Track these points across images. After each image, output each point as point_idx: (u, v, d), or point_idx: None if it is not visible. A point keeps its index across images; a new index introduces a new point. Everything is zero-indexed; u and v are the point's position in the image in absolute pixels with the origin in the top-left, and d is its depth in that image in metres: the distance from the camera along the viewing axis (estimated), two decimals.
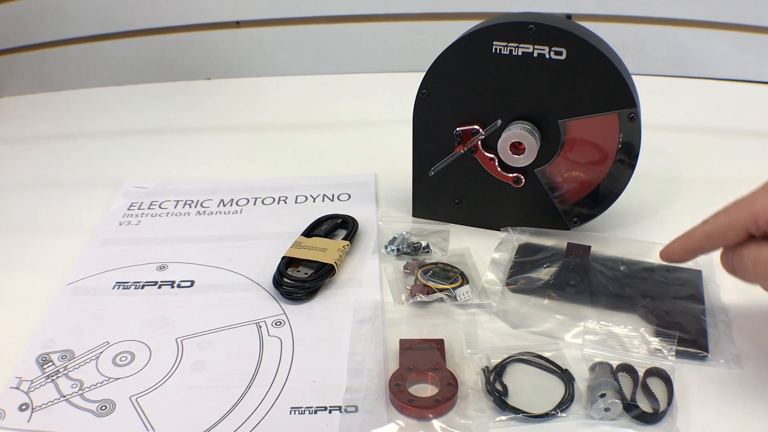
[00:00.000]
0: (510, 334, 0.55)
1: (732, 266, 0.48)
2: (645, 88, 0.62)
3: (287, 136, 0.90)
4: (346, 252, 0.64)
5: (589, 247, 0.61)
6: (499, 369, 0.51)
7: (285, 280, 0.60)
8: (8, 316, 0.60)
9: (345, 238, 0.65)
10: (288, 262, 0.62)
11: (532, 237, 0.65)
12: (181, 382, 0.52)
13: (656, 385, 0.49)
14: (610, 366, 0.50)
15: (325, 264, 0.61)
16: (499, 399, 0.48)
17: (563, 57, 0.57)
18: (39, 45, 1.08)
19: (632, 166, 0.61)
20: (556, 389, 0.50)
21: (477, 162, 0.65)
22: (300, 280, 0.60)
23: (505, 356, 0.52)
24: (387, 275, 0.62)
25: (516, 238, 0.65)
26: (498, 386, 0.49)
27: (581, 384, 0.49)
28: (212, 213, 0.74)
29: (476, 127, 0.63)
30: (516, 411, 0.47)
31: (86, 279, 0.64)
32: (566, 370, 0.50)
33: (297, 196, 0.75)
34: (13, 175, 0.84)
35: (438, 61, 0.61)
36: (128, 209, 0.75)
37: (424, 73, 0.62)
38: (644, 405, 0.47)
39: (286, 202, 0.75)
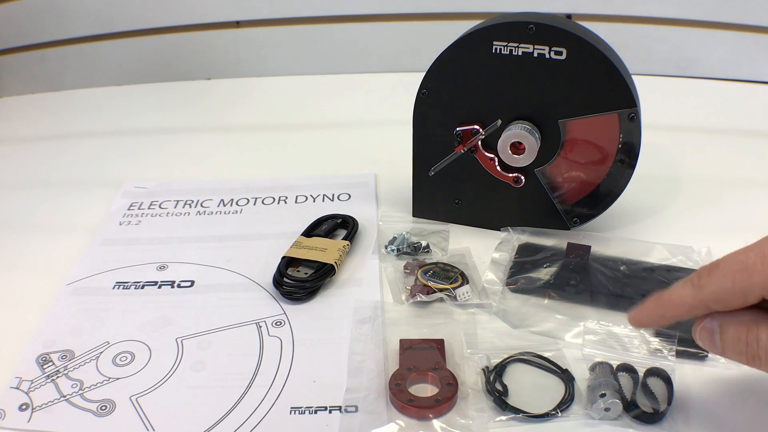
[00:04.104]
0: (510, 334, 0.55)
1: (728, 348, 0.39)
2: (645, 88, 0.62)
3: (287, 136, 0.90)
4: (346, 252, 0.64)
5: (589, 247, 0.61)
6: (499, 369, 0.51)
7: (285, 280, 0.60)
8: (8, 316, 0.60)
9: (345, 238, 0.65)
10: (288, 262, 0.62)
11: (532, 237, 0.65)
12: (181, 382, 0.52)
13: (656, 385, 0.49)
14: (611, 366, 0.49)
15: (325, 264, 0.61)
16: (499, 399, 0.48)
17: (563, 57, 0.57)
18: (39, 45, 1.08)
19: (632, 166, 0.61)
20: (556, 389, 0.50)
21: (477, 162, 0.65)
22: (300, 280, 0.60)
23: (505, 356, 0.52)
24: (387, 275, 0.62)
25: (516, 238, 0.65)
26: (498, 386, 0.49)
27: (581, 384, 0.49)
28: (212, 213, 0.74)
29: (476, 127, 0.63)
30: (516, 411, 0.47)
31: (86, 279, 0.64)
32: (566, 370, 0.50)
33: (297, 196, 0.75)
34: (13, 175, 0.84)
35: (438, 61, 0.61)
36: (128, 209, 0.75)
37: (424, 73, 0.62)
38: (644, 405, 0.47)
39: (286, 202, 0.75)
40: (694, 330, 0.41)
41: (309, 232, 0.67)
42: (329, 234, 0.67)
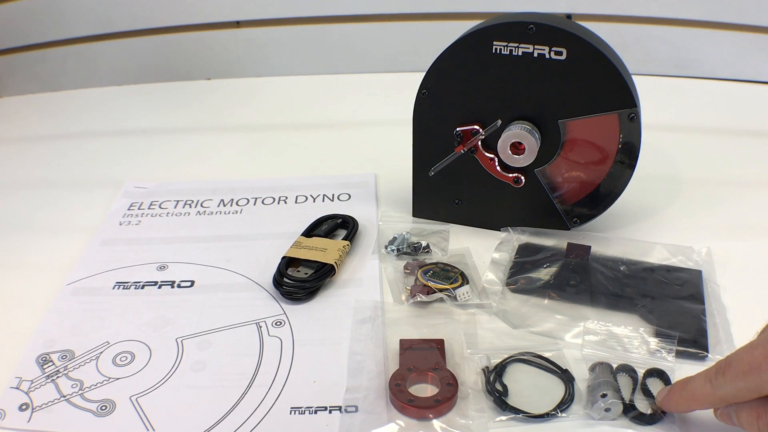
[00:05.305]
0: (510, 334, 0.55)
1: (745, 428, 0.42)
2: (645, 88, 0.62)
3: (287, 136, 0.90)
4: (346, 252, 0.64)
5: (589, 247, 0.61)
6: (499, 369, 0.51)
7: (285, 280, 0.60)
8: (8, 316, 0.60)
9: (345, 238, 0.65)
10: (288, 262, 0.62)
11: (532, 237, 0.65)
12: (181, 382, 0.52)
13: (656, 386, 0.49)
14: (611, 366, 0.50)
15: (325, 264, 0.61)
16: (499, 399, 0.48)
17: (563, 57, 0.57)
18: (38, 45, 1.08)
19: (632, 167, 0.61)
20: (556, 389, 0.50)
21: (477, 162, 0.65)
22: (300, 280, 0.60)
23: (505, 356, 0.52)
24: (387, 275, 0.62)
25: (516, 238, 0.65)
26: (498, 386, 0.49)
27: (581, 384, 0.49)
28: (212, 213, 0.74)
29: (476, 127, 0.63)
30: (516, 411, 0.48)
31: (86, 279, 0.64)
32: (566, 370, 0.50)
33: (297, 196, 0.75)
34: (13, 175, 0.84)
35: (438, 61, 0.61)
36: (128, 209, 0.75)
37: (424, 73, 0.62)
38: (644, 405, 0.47)
39: (286, 202, 0.75)
40: (715, 412, 0.45)
41: (309, 232, 0.67)
42: (329, 234, 0.67)
